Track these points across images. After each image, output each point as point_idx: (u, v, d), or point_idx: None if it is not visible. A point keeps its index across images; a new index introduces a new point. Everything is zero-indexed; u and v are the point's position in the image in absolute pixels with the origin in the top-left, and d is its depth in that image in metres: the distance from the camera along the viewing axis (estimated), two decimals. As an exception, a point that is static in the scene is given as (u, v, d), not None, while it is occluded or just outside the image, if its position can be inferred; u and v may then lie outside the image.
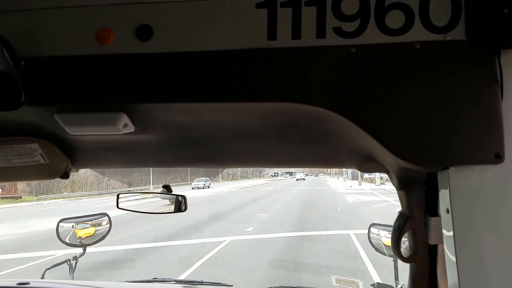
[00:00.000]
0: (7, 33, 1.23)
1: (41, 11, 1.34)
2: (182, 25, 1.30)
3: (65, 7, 1.34)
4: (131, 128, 1.45)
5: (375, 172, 1.88)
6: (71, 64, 1.33)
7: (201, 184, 54.24)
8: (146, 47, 1.31)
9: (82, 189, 53.89)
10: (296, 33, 1.27)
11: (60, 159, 1.79)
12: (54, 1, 1.34)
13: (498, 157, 1.19)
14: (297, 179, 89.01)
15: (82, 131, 1.45)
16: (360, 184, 60.48)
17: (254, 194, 44.73)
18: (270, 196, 41.44)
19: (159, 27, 1.31)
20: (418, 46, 1.23)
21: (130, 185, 54.58)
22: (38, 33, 1.34)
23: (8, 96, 1.27)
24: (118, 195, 3.09)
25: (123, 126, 1.41)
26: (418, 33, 1.24)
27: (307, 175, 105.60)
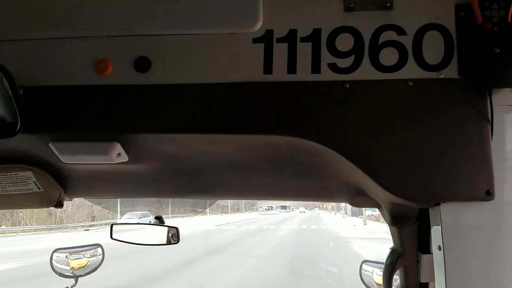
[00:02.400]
0: (7, 62, 1.25)
1: (41, 41, 1.37)
2: (180, 57, 1.33)
3: (65, 38, 1.37)
4: (124, 158, 1.46)
5: (366, 206, 1.88)
6: (69, 93, 1.35)
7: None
8: (144, 78, 1.33)
9: (27, 222, 41.47)
10: (292, 68, 1.30)
11: (53, 188, 1.78)
12: (54, 32, 1.37)
13: (488, 194, 1.20)
14: (300, 212, 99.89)
15: (75, 159, 1.45)
16: (365, 224, 47.85)
17: (212, 243, 25.85)
18: (232, 247, 24.23)
19: (158, 59, 1.33)
20: (411, 84, 1.26)
21: (93, 218, 46.14)
22: (38, 63, 1.37)
23: (5, 124, 1.29)
24: (112, 226, 3.08)
25: (116, 156, 1.42)
26: (411, 71, 1.27)
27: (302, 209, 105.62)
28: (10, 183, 1.70)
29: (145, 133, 1.35)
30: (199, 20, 1.32)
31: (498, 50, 1.21)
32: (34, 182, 1.70)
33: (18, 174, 1.67)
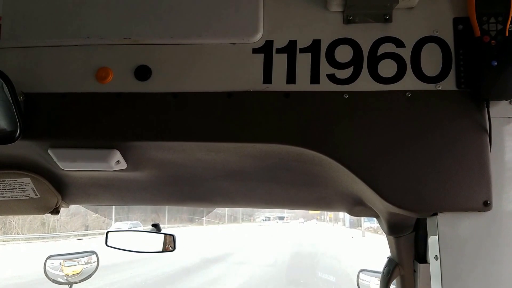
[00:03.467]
0: (8, 69, 1.26)
1: (43, 49, 1.38)
2: (181, 66, 1.34)
3: (66, 46, 1.38)
4: (123, 165, 1.46)
5: (364, 216, 1.89)
6: (69, 101, 1.35)
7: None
8: (144, 86, 1.34)
9: (19, 231, 39.26)
10: (291, 78, 1.31)
11: (51, 195, 1.78)
12: (55, 39, 1.38)
13: (486, 205, 1.21)
14: (299, 222, 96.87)
15: (74, 166, 1.45)
16: (363, 236, 46.95)
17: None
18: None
19: (158, 68, 1.35)
20: (410, 95, 1.27)
21: (87, 227, 44.81)
22: (39, 70, 1.38)
23: (5, 130, 1.29)
24: (107, 233, 3.07)
25: (115, 163, 1.42)
26: (409, 82, 1.28)
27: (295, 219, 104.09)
28: (7, 189, 1.70)
29: (145, 140, 1.35)
30: (199, 30, 1.34)
31: (495, 63, 1.22)
32: (32, 188, 1.70)
33: (16, 180, 1.67)
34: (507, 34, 1.24)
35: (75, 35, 1.37)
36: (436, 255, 1.24)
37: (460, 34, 1.29)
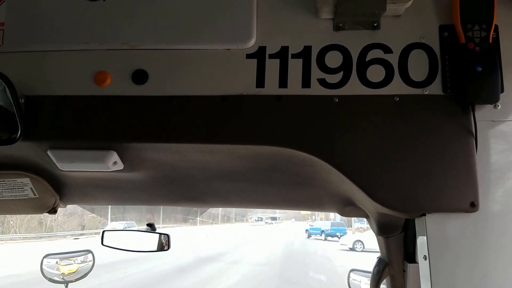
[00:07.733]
0: (10, 72, 1.30)
1: (44, 53, 1.42)
2: (177, 71, 1.38)
3: (66, 51, 1.41)
4: (120, 166, 1.49)
5: (355, 216, 1.92)
6: (68, 103, 1.39)
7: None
8: (141, 90, 1.38)
9: (17, 231, 38.48)
10: (283, 82, 1.35)
11: (49, 194, 1.81)
12: (56, 44, 1.41)
13: (473, 206, 1.25)
14: (292, 222, 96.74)
15: (72, 167, 1.48)
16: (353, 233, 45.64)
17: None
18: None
19: (155, 72, 1.38)
20: (397, 99, 1.31)
21: (83, 227, 43.81)
22: (40, 74, 1.41)
23: (6, 131, 1.33)
24: (103, 232, 3.08)
25: (112, 164, 1.45)
26: (397, 87, 1.32)
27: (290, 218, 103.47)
28: (7, 189, 1.73)
29: (141, 142, 1.38)
30: (195, 36, 1.38)
31: (480, 69, 1.27)
32: (31, 188, 1.73)
33: (15, 180, 1.69)
34: (490, 41, 1.29)
35: (75, 41, 1.40)
36: (425, 255, 1.28)
37: (445, 41, 1.34)
